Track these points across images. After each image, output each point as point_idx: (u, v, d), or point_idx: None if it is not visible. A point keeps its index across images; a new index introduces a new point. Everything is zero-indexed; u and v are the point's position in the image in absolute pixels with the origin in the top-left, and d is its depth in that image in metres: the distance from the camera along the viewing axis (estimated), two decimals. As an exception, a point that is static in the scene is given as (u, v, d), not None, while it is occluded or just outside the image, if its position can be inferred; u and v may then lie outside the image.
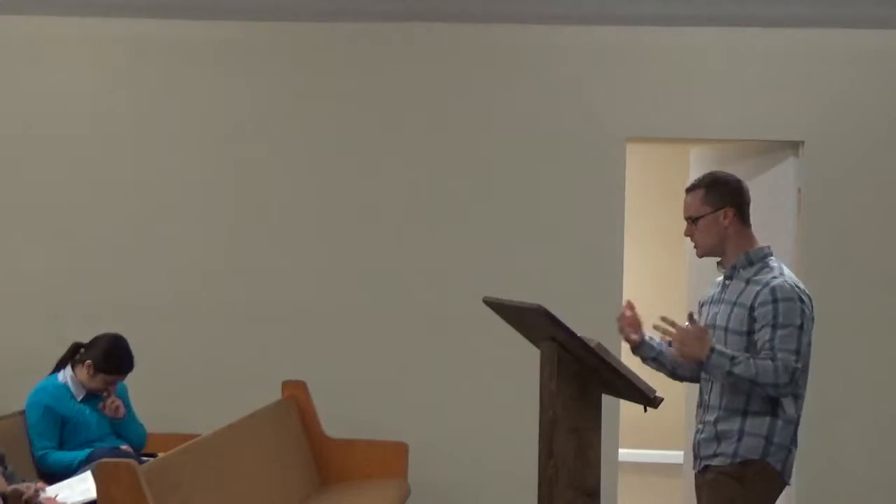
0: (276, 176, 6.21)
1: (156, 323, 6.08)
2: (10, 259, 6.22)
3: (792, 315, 3.66)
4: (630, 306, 3.97)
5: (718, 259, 3.92)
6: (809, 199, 6.05)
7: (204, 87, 6.24)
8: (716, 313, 3.84)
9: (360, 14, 6.12)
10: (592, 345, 3.55)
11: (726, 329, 3.77)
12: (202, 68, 6.24)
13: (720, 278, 3.93)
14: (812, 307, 3.75)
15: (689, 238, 3.93)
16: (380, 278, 6.16)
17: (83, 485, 4.36)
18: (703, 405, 3.88)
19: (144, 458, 4.61)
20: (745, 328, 3.72)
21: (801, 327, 3.66)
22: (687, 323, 3.72)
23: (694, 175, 5.18)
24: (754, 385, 3.63)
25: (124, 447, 4.99)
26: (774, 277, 3.73)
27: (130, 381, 5.17)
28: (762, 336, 3.67)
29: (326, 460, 5.75)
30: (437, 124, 6.18)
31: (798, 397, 3.76)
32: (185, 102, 6.23)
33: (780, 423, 3.71)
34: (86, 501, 4.26)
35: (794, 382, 3.65)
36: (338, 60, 6.19)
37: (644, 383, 3.61)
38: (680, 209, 3.95)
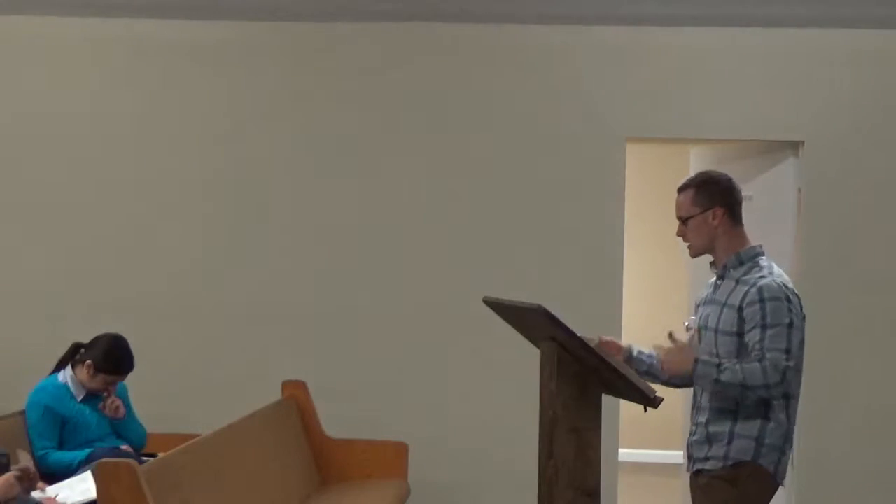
0: (276, 176, 6.21)
1: (156, 323, 6.09)
2: (10, 259, 6.22)
3: (780, 314, 3.61)
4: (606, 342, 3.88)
5: (712, 259, 3.90)
6: (809, 199, 6.05)
7: (204, 87, 6.24)
8: (708, 314, 3.82)
9: (360, 14, 6.12)
10: (592, 345, 3.55)
11: (717, 330, 3.74)
12: (202, 68, 6.24)
13: (713, 279, 3.91)
14: (801, 306, 3.71)
15: (681, 238, 3.90)
16: (380, 278, 6.16)
17: (83, 485, 4.36)
18: (695, 407, 3.86)
19: (144, 458, 4.61)
20: (735, 329, 3.68)
21: (790, 325, 3.61)
22: (670, 342, 3.69)
23: (693, 175, 5.17)
24: (745, 389, 3.58)
25: (124, 447, 4.99)
26: (762, 277, 3.69)
27: (130, 381, 5.16)
28: (752, 337, 3.63)
29: (326, 460, 5.75)
30: (437, 124, 6.18)
31: (791, 397, 3.70)
32: (184, 102, 6.24)
33: (771, 424, 3.66)
34: (86, 501, 4.27)
35: (786, 381, 3.58)
36: (338, 60, 6.19)
37: (644, 383, 3.61)
38: (679, 209, 3.96)
